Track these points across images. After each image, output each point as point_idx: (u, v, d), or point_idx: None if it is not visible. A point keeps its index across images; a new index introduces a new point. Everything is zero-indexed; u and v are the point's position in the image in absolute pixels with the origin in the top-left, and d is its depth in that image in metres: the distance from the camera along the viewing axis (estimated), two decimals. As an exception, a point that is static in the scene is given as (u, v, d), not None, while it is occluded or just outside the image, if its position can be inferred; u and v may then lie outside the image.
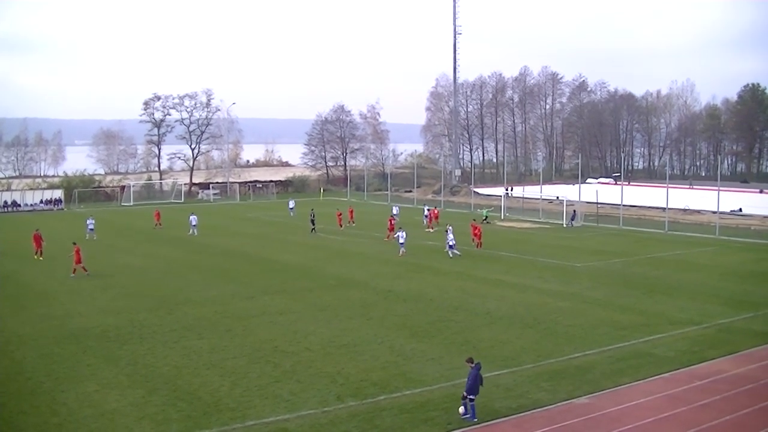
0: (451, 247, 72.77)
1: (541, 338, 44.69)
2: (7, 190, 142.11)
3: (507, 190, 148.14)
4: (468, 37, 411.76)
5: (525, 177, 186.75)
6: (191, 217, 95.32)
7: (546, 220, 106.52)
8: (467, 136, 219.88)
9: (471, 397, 31.71)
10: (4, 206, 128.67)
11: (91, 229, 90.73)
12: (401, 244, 75.00)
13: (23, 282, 62.86)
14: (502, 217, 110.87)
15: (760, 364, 40.04)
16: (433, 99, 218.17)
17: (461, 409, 31.76)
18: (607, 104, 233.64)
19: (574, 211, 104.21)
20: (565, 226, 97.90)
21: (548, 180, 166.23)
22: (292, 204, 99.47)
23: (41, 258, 73.91)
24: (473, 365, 32.34)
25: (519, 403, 33.44)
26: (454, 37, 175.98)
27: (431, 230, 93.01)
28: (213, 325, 47.53)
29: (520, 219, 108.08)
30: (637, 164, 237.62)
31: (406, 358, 40.47)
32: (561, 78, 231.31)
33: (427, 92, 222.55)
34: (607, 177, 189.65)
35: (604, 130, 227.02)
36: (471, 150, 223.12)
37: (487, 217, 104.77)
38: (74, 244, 66.98)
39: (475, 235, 79.28)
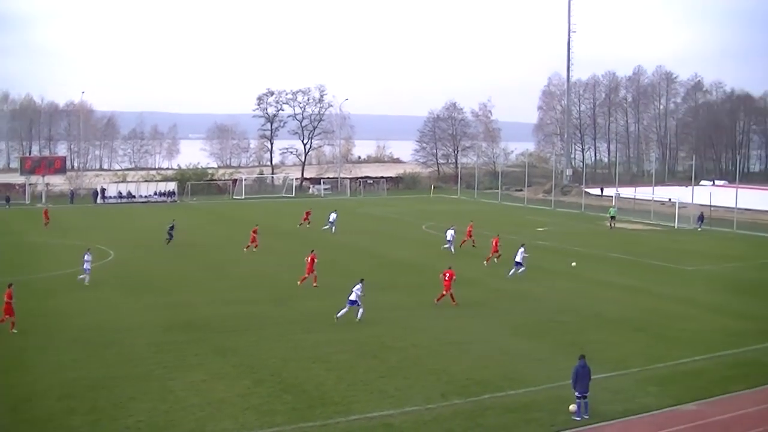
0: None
1: (650, 342, 44.21)
2: (122, 182, 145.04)
3: (601, 190, 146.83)
4: (582, 36, 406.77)
5: (637, 178, 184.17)
6: (331, 214, 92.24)
7: (658, 222, 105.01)
8: (579, 135, 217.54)
9: (577, 394, 31.80)
10: (119, 197, 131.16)
11: (332, 222, 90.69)
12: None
13: (138, 270, 64.16)
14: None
15: None
16: (545, 98, 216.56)
17: (573, 407, 31.78)
18: (724, 105, 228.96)
19: (702, 213, 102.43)
20: (698, 229, 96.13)
21: (660, 181, 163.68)
22: (450, 236, 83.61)
23: (255, 249, 74.27)
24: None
25: (625, 407, 33.16)
26: (568, 35, 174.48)
27: (486, 263, 69.67)
28: (321, 318, 47.97)
29: (632, 220, 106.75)
30: (753, 166, 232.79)
31: (513, 357, 40.42)
32: (676, 78, 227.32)
33: (539, 91, 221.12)
34: (721, 179, 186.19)
35: (719, 132, 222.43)
36: (583, 150, 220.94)
37: (614, 216, 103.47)
38: (312, 251, 61.14)
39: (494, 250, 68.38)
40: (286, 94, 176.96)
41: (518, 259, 62.33)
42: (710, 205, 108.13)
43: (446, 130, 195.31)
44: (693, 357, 41.14)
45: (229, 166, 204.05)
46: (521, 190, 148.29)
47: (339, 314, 47.40)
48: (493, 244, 68.59)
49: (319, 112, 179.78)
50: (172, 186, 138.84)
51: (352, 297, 47.34)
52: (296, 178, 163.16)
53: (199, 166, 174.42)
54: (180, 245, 76.11)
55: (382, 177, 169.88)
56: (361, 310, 47.26)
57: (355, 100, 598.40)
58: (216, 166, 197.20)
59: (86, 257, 58.09)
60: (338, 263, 68.97)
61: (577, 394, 31.83)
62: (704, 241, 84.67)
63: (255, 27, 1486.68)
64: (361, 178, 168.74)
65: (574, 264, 67.49)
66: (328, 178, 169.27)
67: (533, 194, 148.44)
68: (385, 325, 46.58)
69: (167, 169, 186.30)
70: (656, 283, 61.68)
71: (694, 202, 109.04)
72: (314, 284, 58.16)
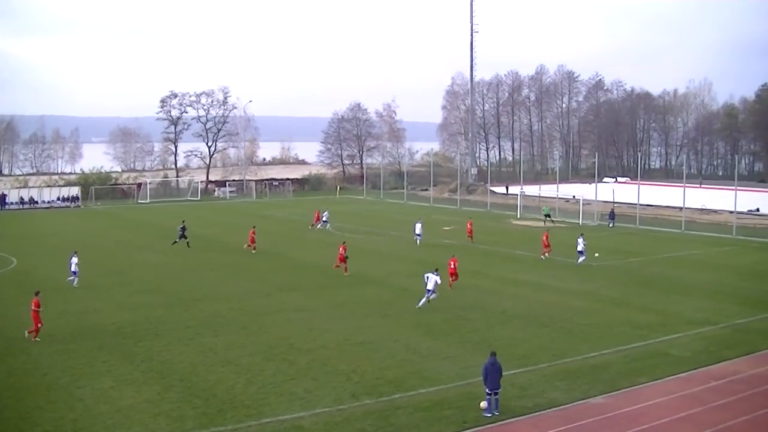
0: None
1: (557, 337, 44.70)
2: (24, 187, 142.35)
3: (506, 189, 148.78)
4: (485, 36, 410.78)
5: (542, 176, 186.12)
6: (324, 213, 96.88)
7: (563, 219, 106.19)
8: (483, 134, 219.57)
9: (487, 391, 32.02)
10: (21, 203, 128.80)
11: (326, 220, 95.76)
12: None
13: (40, 278, 63.00)
14: (518, 216, 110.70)
15: (777, 364, 39.92)
16: (449, 97, 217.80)
17: (483, 404, 31.97)
18: (624, 103, 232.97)
19: (612, 210, 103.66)
20: (610, 226, 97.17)
21: (564, 179, 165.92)
22: (419, 229, 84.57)
23: (253, 251, 76.25)
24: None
25: (535, 402, 33.47)
26: (471, 35, 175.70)
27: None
28: (229, 322, 47.69)
29: (537, 218, 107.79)
30: (654, 163, 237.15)
31: (422, 356, 40.50)
32: (577, 77, 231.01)
33: (443, 91, 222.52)
34: (623, 176, 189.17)
35: (620, 129, 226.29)
36: (487, 149, 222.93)
37: (549, 215, 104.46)
38: (343, 242, 66.92)
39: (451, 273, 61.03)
40: (190, 97, 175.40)
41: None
42: (613, 202, 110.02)
43: (351, 130, 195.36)
44: (600, 351, 41.67)
45: (133, 170, 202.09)
46: (427, 190, 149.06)
47: (420, 304, 51.30)
48: (341, 252, 65.79)
49: (223, 114, 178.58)
50: (75, 191, 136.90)
51: (430, 286, 50.97)
52: (201, 181, 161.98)
53: (103, 170, 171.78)
54: (86, 250, 74.91)
55: (288, 179, 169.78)
56: (434, 295, 51.08)
57: (260, 101, 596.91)
58: (120, 170, 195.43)
59: (73, 260, 59.49)
60: (243, 265, 68.90)
61: (487, 390, 32.02)
62: (608, 236, 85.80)
63: (158, 28, 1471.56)
64: (267, 180, 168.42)
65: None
66: (234, 180, 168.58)
67: (439, 193, 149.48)
68: (292, 327, 46.41)
69: (70, 173, 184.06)
70: (561, 279, 62.38)
71: (598, 198, 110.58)
72: (345, 273, 63.80)
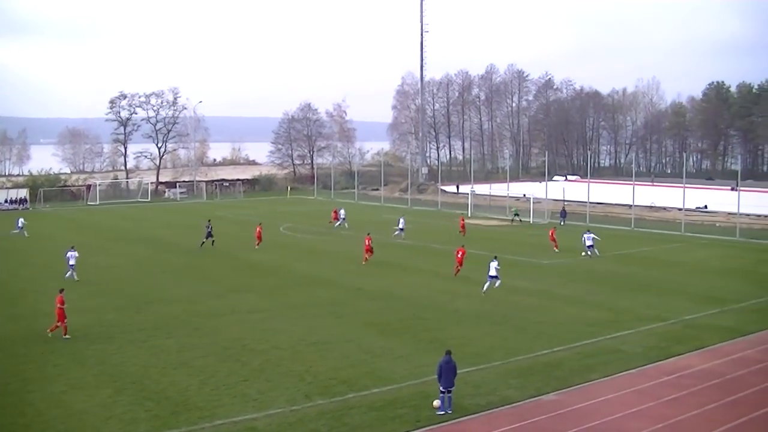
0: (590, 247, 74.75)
1: (509, 335, 44.92)
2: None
3: (457, 188, 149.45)
4: (435, 36, 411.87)
5: (492, 175, 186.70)
6: (341, 211, 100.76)
7: (512, 218, 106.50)
8: (434, 134, 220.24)
9: (441, 389, 32.15)
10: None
11: (344, 218, 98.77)
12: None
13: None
14: (469, 215, 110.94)
15: (727, 359, 40.42)
16: (399, 97, 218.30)
17: (437, 402, 32.07)
18: (574, 102, 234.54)
19: (564, 208, 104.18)
20: (561, 224, 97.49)
21: (515, 177, 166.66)
22: (401, 224, 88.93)
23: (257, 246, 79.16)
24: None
25: (488, 400, 33.61)
26: (421, 35, 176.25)
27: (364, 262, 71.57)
28: (182, 323, 47.44)
29: (487, 216, 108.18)
30: (603, 162, 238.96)
31: (375, 356, 40.53)
32: (527, 76, 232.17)
33: (393, 90, 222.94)
34: (573, 174, 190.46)
35: (570, 128, 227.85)
36: (438, 148, 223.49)
37: (518, 214, 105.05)
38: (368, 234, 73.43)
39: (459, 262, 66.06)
40: (140, 97, 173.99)
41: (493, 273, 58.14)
42: (564, 200, 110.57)
43: (301, 131, 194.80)
44: (552, 348, 41.96)
45: (82, 172, 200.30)
46: (377, 189, 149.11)
47: (484, 289, 55.58)
48: (367, 243, 70.84)
49: (173, 115, 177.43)
50: (23, 193, 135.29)
51: (492, 272, 55.60)
52: (151, 182, 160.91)
53: (52, 172, 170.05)
54: (35, 253, 74.39)
55: (238, 179, 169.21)
56: (498, 282, 55.50)
57: (210, 102, 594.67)
58: (69, 171, 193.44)
59: (71, 253, 62.10)
60: (196, 267, 68.62)
61: (441, 389, 32.11)
62: (559, 234, 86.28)
63: (107, 28, 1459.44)
64: (217, 181, 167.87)
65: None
66: (184, 181, 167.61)
67: (390, 193, 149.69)
68: (246, 328, 46.27)
69: (18, 175, 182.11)
70: (513, 277, 62.51)
71: (548, 197, 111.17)
72: (363, 262, 69.40)
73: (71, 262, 62.03)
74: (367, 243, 70.83)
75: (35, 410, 32.61)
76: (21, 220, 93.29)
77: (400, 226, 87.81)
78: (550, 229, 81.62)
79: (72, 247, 63.32)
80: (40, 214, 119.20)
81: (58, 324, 44.14)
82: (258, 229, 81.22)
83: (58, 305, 44.13)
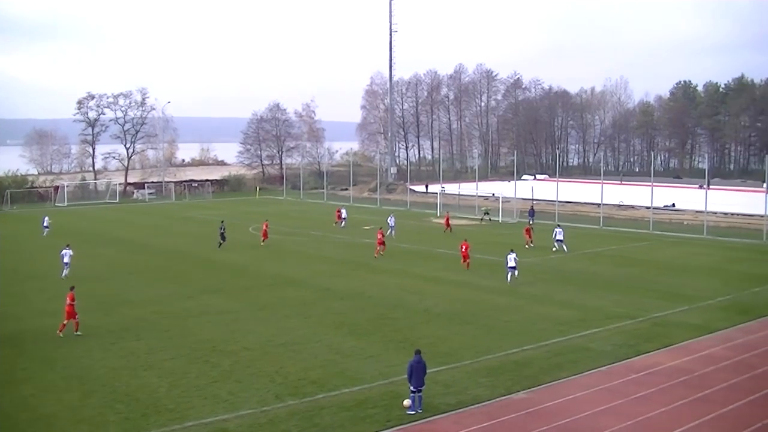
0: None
1: (479, 334, 45.03)
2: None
3: (426, 187, 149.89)
4: (403, 35, 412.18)
5: (461, 174, 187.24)
6: (343, 210, 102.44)
7: (482, 217, 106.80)
8: (403, 133, 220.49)
9: (411, 389, 32.23)
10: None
11: (344, 218, 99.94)
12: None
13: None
14: (438, 215, 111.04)
15: (695, 356, 40.70)
16: (368, 97, 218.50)
17: (407, 402, 32.13)
18: (542, 101, 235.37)
19: (532, 206, 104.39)
20: (530, 223, 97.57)
21: (484, 177, 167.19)
22: (392, 222, 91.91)
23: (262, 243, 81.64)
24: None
25: (458, 399, 33.70)
26: (390, 35, 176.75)
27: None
28: (151, 325, 47.25)
29: (457, 216, 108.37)
30: (572, 160, 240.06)
31: (345, 356, 40.55)
32: (496, 75, 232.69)
33: (362, 90, 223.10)
34: (542, 174, 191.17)
35: (539, 127, 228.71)
36: (407, 148, 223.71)
37: (488, 212, 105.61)
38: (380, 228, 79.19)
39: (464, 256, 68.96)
40: (108, 98, 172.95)
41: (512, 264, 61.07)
42: (532, 199, 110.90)
43: (270, 131, 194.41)
44: (521, 347, 42.12)
45: (50, 173, 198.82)
46: (347, 189, 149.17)
47: (508, 280, 59.57)
48: (379, 237, 74.90)
49: (141, 115, 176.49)
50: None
51: (511, 264, 59.53)
52: (120, 184, 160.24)
53: (19, 174, 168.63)
54: (2, 255, 73.83)
55: (207, 180, 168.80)
56: (516, 272, 59.83)
57: (178, 102, 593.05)
58: (36, 173, 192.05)
59: (65, 251, 63.33)
60: (165, 268, 68.41)
61: (411, 388, 32.19)
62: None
63: (73, 28, 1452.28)
64: (186, 181, 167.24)
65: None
66: (153, 182, 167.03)
67: (359, 193, 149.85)
68: (215, 330, 46.18)
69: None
70: (482, 276, 62.81)
71: (517, 196, 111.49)
72: (375, 254, 73.28)
73: (65, 260, 62.83)
74: (379, 236, 74.60)
75: (3, 414, 32.45)
76: (47, 218, 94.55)
77: (391, 224, 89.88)
78: (525, 227, 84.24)
79: (67, 246, 64.06)
80: (8, 216, 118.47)
81: (65, 322, 44.50)
82: (264, 226, 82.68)
83: (69, 302, 44.47)
